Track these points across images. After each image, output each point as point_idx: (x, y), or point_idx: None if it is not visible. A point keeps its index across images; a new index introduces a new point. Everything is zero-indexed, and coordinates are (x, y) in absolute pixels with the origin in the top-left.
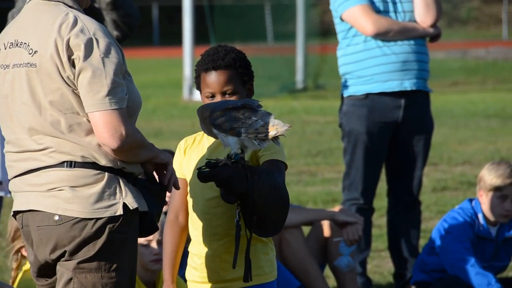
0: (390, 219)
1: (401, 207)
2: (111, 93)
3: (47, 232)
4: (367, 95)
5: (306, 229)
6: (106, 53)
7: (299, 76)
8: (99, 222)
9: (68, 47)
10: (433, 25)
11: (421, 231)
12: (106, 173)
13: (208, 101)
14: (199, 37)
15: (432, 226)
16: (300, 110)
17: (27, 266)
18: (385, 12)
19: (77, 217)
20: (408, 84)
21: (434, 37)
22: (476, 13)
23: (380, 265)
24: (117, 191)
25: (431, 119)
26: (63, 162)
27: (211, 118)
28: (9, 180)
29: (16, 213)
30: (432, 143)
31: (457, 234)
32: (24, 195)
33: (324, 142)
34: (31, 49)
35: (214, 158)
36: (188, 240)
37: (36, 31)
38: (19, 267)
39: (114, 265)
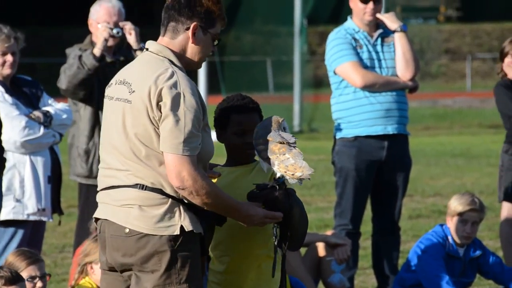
0: (374, 241)
1: (383, 231)
2: (186, 141)
3: (118, 241)
4: (356, 138)
5: (302, 250)
6: (190, 108)
7: (296, 121)
8: (162, 239)
9: (160, 95)
10: (412, 79)
11: (400, 252)
12: (170, 199)
13: (236, 138)
14: (212, 88)
15: (409, 248)
16: None
17: (84, 281)
18: (372, 68)
19: (142, 232)
20: (390, 129)
21: (413, 89)
22: (444, 69)
23: (365, 280)
24: (177, 215)
25: (409, 158)
26: (137, 184)
27: (255, 143)
28: (98, 191)
29: (96, 219)
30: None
31: (432, 253)
32: (105, 206)
33: (317, 177)
34: (132, 89)
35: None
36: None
37: (140, 75)
38: (82, 273)
39: (184, 278)
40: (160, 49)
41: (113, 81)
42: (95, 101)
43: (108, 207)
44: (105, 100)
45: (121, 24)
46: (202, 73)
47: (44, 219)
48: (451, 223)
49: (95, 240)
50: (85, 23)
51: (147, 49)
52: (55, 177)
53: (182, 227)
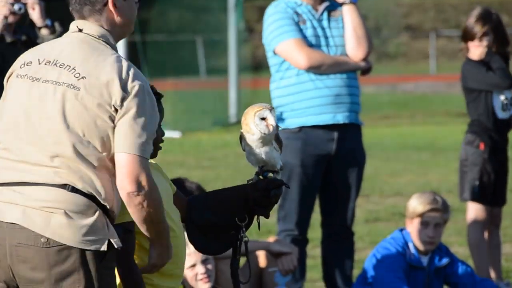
0: (324, 249)
1: (334, 237)
2: (147, 142)
3: (29, 251)
4: (301, 128)
5: (242, 260)
6: (152, 105)
7: (232, 110)
8: (86, 254)
9: (125, 88)
10: (364, 59)
11: (355, 261)
12: (99, 210)
13: (158, 131)
14: None
15: (365, 257)
16: (233, 144)
17: None
18: (317, 46)
19: (64, 244)
20: (340, 117)
21: (365, 71)
22: (405, 48)
23: None
24: (105, 227)
25: (363, 151)
26: (66, 184)
27: (277, 133)
28: None
29: None
30: (364, 175)
31: (389, 263)
32: (8, 206)
33: None
34: (78, 73)
35: None
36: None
37: (85, 61)
38: None
39: None
40: (101, 32)
41: (29, 59)
42: None
43: (16, 208)
44: (18, 80)
45: None
46: (120, 54)
47: None
48: (411, 227)
49: None
50: None
51: (80, 30)
52: None
53: (109, 242)
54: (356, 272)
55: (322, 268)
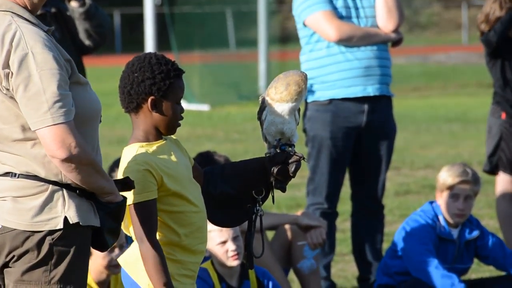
0: (354, 223)
1: (364, 211)
2: (53, 107)
3: None
4: (331, 101)
5: (270, 234)
6: (45, 67)
7: (262, 82)
8: (39, 235)
9: (7, 61)
10: (395, 31)
11: (384, 235)
12: (50, 185)
13: (176, 107)
14: (161, 45)
15: (395, 230)
16: None
17: None
18: (348, 18)
19: (16, 229)
20: (371, 90)
21: (396, 42)
22: (436, 19)
23: (344, 269)
24: (59, 204)
25: (394, 123)
26: (7, 173)
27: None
28: None
29: None
30: (394, 147)
31: (419, 236)
32: None
33: None
34: None
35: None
36: None
37: None
38: None
39: (55, 278)
40: (1, 2)
41: None
42: None
43: None
44: None
45: None
46: (149, 27)
47: None
48: (441, 200)
49: None
50: None
51: None
52: None
53: (66, 219)
54: (385, 246)
55: (352, 241)
